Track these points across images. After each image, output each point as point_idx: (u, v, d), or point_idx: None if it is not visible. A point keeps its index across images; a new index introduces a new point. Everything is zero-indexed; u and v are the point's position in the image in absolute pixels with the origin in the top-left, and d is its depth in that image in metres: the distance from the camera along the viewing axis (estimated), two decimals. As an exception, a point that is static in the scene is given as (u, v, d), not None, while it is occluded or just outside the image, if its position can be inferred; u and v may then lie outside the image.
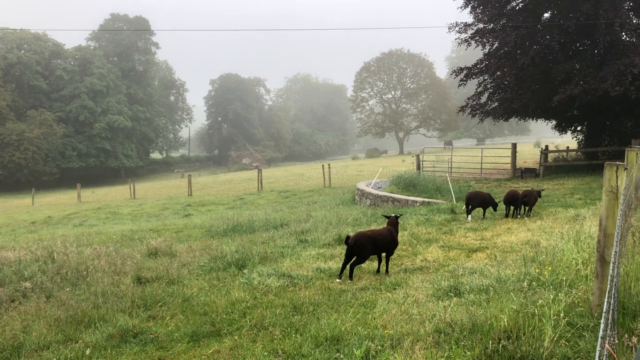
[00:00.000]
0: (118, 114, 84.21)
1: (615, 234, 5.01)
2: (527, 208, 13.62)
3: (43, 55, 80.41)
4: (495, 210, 14.06)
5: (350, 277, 8.12)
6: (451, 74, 29.91)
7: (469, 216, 13.58)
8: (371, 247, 8.29)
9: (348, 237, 8.36)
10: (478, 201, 13.79)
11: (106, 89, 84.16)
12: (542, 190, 15.20)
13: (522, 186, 21.07)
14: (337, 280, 8.09)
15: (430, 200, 18.63)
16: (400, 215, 9.52)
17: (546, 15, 26.12)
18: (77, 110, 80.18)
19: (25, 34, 79.98)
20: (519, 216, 13.48)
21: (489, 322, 4.96)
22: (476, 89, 28.50)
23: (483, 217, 13.77)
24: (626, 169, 5.18)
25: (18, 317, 7.33)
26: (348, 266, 8.22)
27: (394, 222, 9.02)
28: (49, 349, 6.05)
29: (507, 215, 13.73)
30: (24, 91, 78.16)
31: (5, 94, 73.08)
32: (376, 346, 4.94)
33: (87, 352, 5.70)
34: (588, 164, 24.65)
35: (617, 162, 5.16)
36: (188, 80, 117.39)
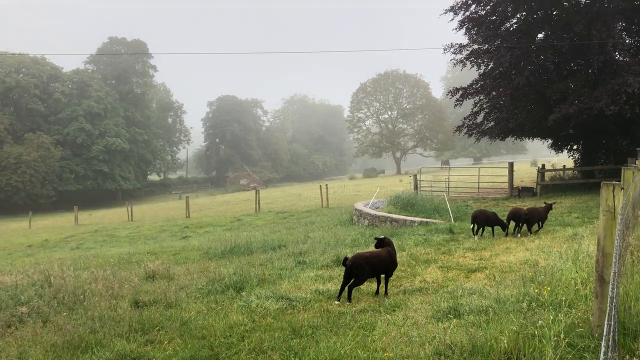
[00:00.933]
0: (116, 137, 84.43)
1: (614, 253, 5.01)
2: (540, 223, 13.98)
3: (41, 79, 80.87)
4: (504, 230, 14.07)
5: (349, 299, 8.08)
6: (447, 94, 30.17)
7: (476, 236, 13.63)
8: (369, 268, 8.25)
9: (346, 259, 8.33)
10: (483, 220, 13.84)
11: (104, 111, 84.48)
12: (553, 203, 15.29)
13: (520, 205, 21.09)
14: (336, 302, 8.04)
15: (428, 220, 18.61)
16: (385, 237, 9.43)
17: (540, 35, 26.44)
18: (74, 133, 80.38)
19: (24, 58, 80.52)
20: (519, 235, 13.52)
21: (489, 343, 4.93)
22: (472, 109, 28.71)
23: (493, 236, 13.76)
24: (623, 188, 5.20)
25: (14, 342, 7.26)
26: (346, 288, 8.18)
27: (389, 243, 8.97)
28: (45, 375, 5.98)
29: (506, 234, 13.85)
30: (22, 114, 78.40)
31: (3, 117, 73.31)
32: (376, 369, 4.90)
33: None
34: (585, 182, 24.73)
35: (614, 182, 5.18)
36: (186, 102, 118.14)
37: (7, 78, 75.55)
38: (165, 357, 6.14)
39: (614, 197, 5.10)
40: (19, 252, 26.32)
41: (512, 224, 14.18)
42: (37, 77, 79.64)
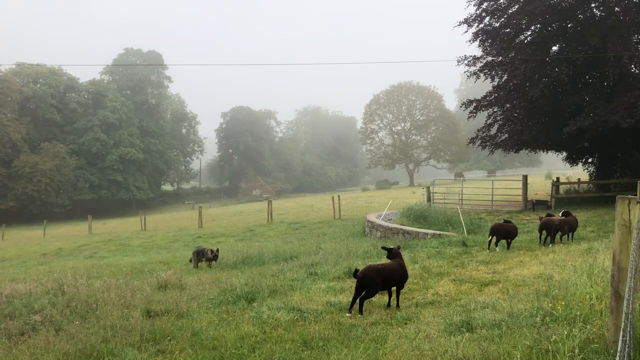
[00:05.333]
0: (130, 147, 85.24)
1: (629, 268, 4.94)
2: (571, 234, 14.37)
3: (58, 89, 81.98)
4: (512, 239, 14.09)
5: (360, 311, 8.03)
6: (461, 106, 30.09)
7: (497, 247, 13.60)
8: (381, 281, 8.21)
9: (357, 271, 8.30)
10: (502, 233, 13.80)
11: (119, 121, 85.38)
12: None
13: (533, 219, 20.93)
14: (347, 314, 8.00)
15: (441, 232, 18.50)
16: (399, 246, 9.43)
17: (555, 48, 26.34)
18: (89, 142, 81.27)
19: (41, 69, 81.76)
20: (550, 245, 13.56)
21: (502, 358, 4.87)
22: (486, 121, 28.60)
23: (508, 248, 13.67)
24: (639, 202, 5.13)
25: (27, 350, 7.30)
26: (358, 300, 8.14)
27: (399, 254, 8.93)
28: (57, 384, 6.00)
29: (541, 243, 14.10)
30: (38, 124, 79.44)
31: (20, 127, 74.32)
32: (387, 383, 4.85)
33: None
34: (600, 195, 24.48)
35: (630, 196, 5.12)
36: (200, 113, 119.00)
37: (25, 88, 76.70)
38: (176, 368, 6.13)
39: (629, 211, 5.04)
40: (33, 261, 26.55)
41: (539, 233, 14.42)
42: (54, 87, 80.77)
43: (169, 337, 7.34)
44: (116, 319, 8.47)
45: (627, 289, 4.97)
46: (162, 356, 6.64)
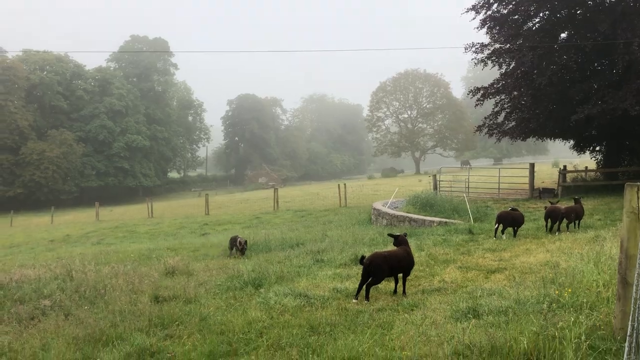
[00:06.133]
0: (137, 134, 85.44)
1: (638, 255, 4.94)
2: (578, 222, 14.23)
3: (64, 76, 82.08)
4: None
5: (367, 297, 8.07)
6: (468, 94, 29.93)
7: (504, 235, 13.56)
8: (387, 267, 8.23)
9: (363, 258, 8.33)
10: (509, 221, 13.77)
11: (125, 109, 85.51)
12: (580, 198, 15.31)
13: (540, 207, 20.89)
14: (354, 300, 8.04)
15: (447, 220, 18.50)
16: (406, 233, 9.43)
17: (563, 35, 26.10)
18: (96, 130, 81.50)
19: (48, 56, 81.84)
20: (557, 233, 13.51)
21: (508, 344, 4.89)
22: (493, 109, 28.46)
23: (514, 236, 13.65)
24: (648, 189, 5.11)
25: (37, 334, 7.40)
26: (364, 286, 8.17)
27: (405, 241, 8.94)
28: (67, 367, 6.09)
29: (547, 230, 14.01)
30: (45, 111, 79.65)
31: (27, 114, 74.56)
32: (394, 368, 4.89)
33: (105, 371, 5.72)
34: (607, 184, 24.37)
35: (638, 183, 5.10)
36: (206, 101, 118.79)
37: (32, 75, 76.86)
38: (184, 352, 6.19)
39: (638, 198, 5.02)
40: (41, 247, 26.78)
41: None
42: (60, 74, 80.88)
43: (177, 322, 7.41)
44: (124, 304, 8.56)
45: (635, 276, 4.97)
46: (170, 341, 6.71)
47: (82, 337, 6.99)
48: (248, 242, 15.39)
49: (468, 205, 19.64)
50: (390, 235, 9.52)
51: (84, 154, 79.08)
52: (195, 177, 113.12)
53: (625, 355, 2.54)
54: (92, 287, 10.02)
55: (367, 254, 8.57)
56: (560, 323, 5.14)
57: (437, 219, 18.70)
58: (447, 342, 5.45)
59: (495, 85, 27.29)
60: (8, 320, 8.29)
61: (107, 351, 6.48)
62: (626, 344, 2.78)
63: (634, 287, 5.02)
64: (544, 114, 25.45)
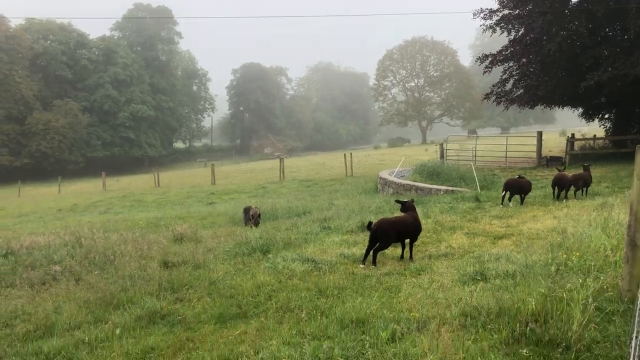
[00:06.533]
0: (142, 104, 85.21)
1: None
2: (585, 189, 14.17)
3: (68, 46, 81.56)
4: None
5: (374, 262, 8.12)
6: (476, 61, 29.55)
7: (511, 203, 13.56)
8: (394, 233, 8.27)
9: (370, 223, 8.36)
10: (516, 188, 13.75)
11: (130, 78, 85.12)
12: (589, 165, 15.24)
13: (547, 175, 20.83)
14: (361, 265, 8.10)
15: (454, 188, 18.47)
16: (413, 200, 9.43)
17: (574, 0, 25.58)
18: (101, 99, 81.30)
19: (51, 24, 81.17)
20: (564, 200, 13.46)
21: (516, 306, 4.93)
22: (501, 76, 28.13)
23: (521, 204, 13.63)
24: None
25: (49, 298, 7.52)
26: (371, 252, 8.22)
27: (413, 207, 8.95)
28: (80, 328, 6.19)
29: (554, 198, 13.96)
30: (49, 81, 79.40)
31: (32, 84, 74.37)
32: (402, 329, 4.94)
33: (117, 331, 5.82)
34: (616, 152, 24.20)
35: (649, 146, 5.06)
36: (210, 70, 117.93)
37: (35, 45, 76.38)
38: (194, 315, 6.28)
39: (649, 160, 4.98)
40: (49, 216, 27.01)
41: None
42: (64, 43, 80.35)
43: (186, 287, 7.50)
44: (134, 269, 8.66)
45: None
46: (180, 304, 6.80)
47: (93, 301, 7.10)
48: (249, 212, 15.35)
49: (475, 174, 19.59)
50: (397, 201, 9.54)
51: (90, 124, 79.05)
52: (201, 148, 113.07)
53: (637, 311, 2.54)
54: (101, 254, 10.13)
55: (374, 221, 8.60)
56: (568, 285, 5.17)
57: (443, 187, 18.68)
58: (455, 304, 5.50)
59: (503, 52, 26.90)
60: (20, 285, 8.42)
61: (118, 314, 6.59)
62: (638, 301, 2.78)
63: (643, 250, 5.03)
64: (552, 81, 25.14)
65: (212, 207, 23.81)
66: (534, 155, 26.74)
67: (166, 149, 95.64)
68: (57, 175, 57.78)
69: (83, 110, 78.16)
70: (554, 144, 38.60)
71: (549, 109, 31.89)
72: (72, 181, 62.09)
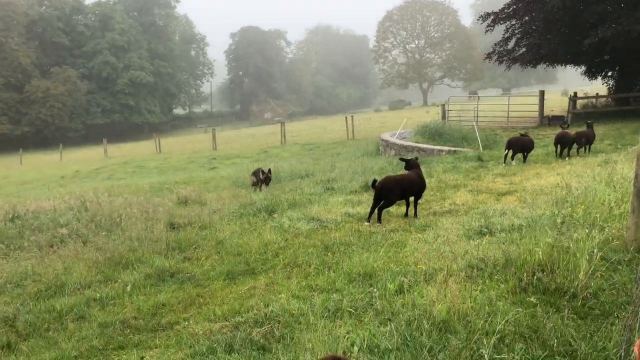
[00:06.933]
0: (140, 70, 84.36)
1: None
2: (588, 147, 14.17)
3: (64, 11, 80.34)
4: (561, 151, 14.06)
5: (379, 219, 8.17)
6: (478, 19, 29.06)
7: (513, 161, 13.55)
8: (399, 190, 8.29)
9: (375, 181, 8.38)
10: (519, 146, 13.71)
11: (127, 44, 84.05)
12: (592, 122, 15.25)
13: (549, 134, 20.75)
14: (366, 223, 8.15)
15: (456, 149, 18.44)
16: (417, 157, 9.43)
17: (578, -45, 25.02)
18: (99, 66, 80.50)
19: (45, -10, 79.81)
20: (567, 158, 13.45)
21: (522, 256, 4.98)
22: (503, 35, 27.73)
23: (524, 162, 13.60)
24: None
25: (58, 260, 7.60)
26: (376, 210, 8.26)
27: (417, 164, 8.95)
28: (90, 287, 6.29)
29: (557, 156, 13.97)
30: (46, 48, 78.48)
31: (28, 51, 73.56)
32: (409, 281, 5.01)
33: (128, 288, 5.91)
34: (619, 110, 24.04)
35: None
36: (208, 35, 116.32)
37: (30, 11, 75.24)
38: (203, 272, 6.36)
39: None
40: (53, 183, 27.08)
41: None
42: (59, 9, 79.16)
43: (194, 246, 7.58)
44: (141, 231, 8.72)
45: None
46: (189, 263, 6.88)
47: (102, 261, 7.19)
48: (259, 174, 15.16)
49: (477, 133, 19.53)
50: (401, 159, 9.56)
51: (89, 91, 78.48)
52: (201, 114, 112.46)
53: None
54: (107, 217, 10.18)
55: (379, 178, 8.61)
56: (575, 235, 5.20)
57: (445, 148, 18.65)
58: (461, 257, 5.56)
59: (506, 10, 26.45)
60: (29, 247, 8.50)
61: (127, 273, 6.67)
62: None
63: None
64: (555, 39, 24.79)
65: (215, 171, 23.84)
66: (536, 115, 26.57)
67: (166, 116, 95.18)
68: (58, 143, 57.67)
69: (81, 77, 77.50)
70: (556, 104, 38.32)
71: (551, 67, 31.58)
72: (73, 149, 62.03)
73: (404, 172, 9.15)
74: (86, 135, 77.90)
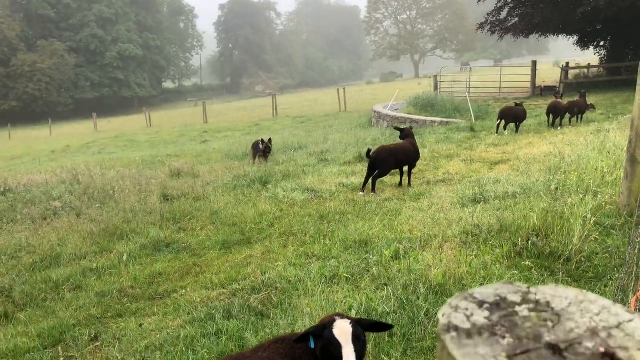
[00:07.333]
0: (129, 43, 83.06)
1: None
2: (580, 116, 14.28)
3: (48, -18, 78.67)
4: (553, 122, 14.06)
5: (373, 189, 8.19)
6: (470, -11, 28.77)
7: (506, 131, 13.56)
8: (393, 160, 8.29)
9: (369, 151, 8.36)
10: (512, 116, 13.68)
11: (115, 16, 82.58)
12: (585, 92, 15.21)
13: (541, 104, 20.76)
14: (360, 192, 8.17)
15: (449, 120, 18.44)
16: (412, 127, 9.42)
17: None
18: (87, 39, 79.14)
19: (28, -40, 77.92)
20: (559, 127, 13.43)
21: (517, 222, 5.02)
22: (496, 4, 27.49)
23: (517, 132, 13.60)
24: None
25: (53, 232, 7.58)
26: (370, 179, 8.27)
27: (411, 134, 8.93)
28: (85, 258, 6.29)
29: (549, 125, 13.95)
30: (32, 21, 76.95)
31: (14, 24, 72.12)
32: (405, 247, 5.04)
33: (124, 258, 5.91)
34: (610, 79, 24.05)
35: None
36: (197, 6, 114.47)
37: (14, -18, 73.67)
38: (199, 242, 6.37)
39: (652, 75, 4.95)
40: (43, 158, 26.86)
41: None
42: (44, -20, 77.50)
43: (188, 217, 7.57)
44: (135, 203, 8.69)
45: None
46: (184, 233, 6.89)
47: (97, 232, 7.17)
48: (249, 147, 14.78)
49: (470, 104, 19.51)
50: (396, 128, 9.54)
51: (77, 64, 77.29)
52: (191, 87, 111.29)
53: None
54: (100, 189, 10.13)
55: (373, 148, 8.61)
56: (569, 200, 5.24)
57: (438, 119, 18.64)
58: (456, 223, 5.59)
59: (499, -21, 26.21)
60: (22, 220, 8.47)
61: (122, 244, 6.67)
62: (638, 205, 2.82)
63: (643, 165, 5.08)
64: (548, 8, 24.60)
65: (206, 145, 23.70)
66: (528, 85, 26.52)
67: (156, 89, 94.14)
68: (47, 117, 56.99)
69: (69, 51, 76.23)
70: (548, 75, 38.20)
71: (543, 38, 31.38)
72: (62, 123, 61.37)
73: (398, 141, 9.15)
74: (75, 110, 76.99)
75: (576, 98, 14.89)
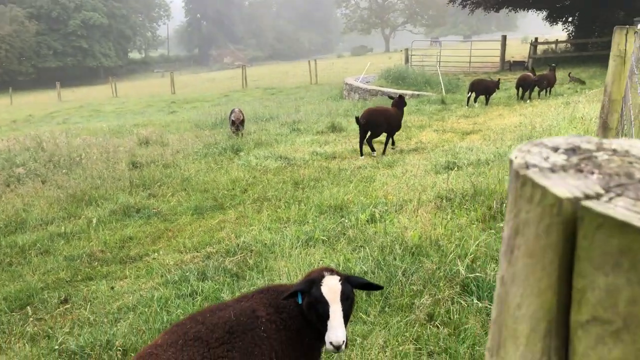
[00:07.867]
0: (93, 11, 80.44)
1: (621, 100, 5.02)
2: (549, 89, 14.33)
3: (6, -55, 75.26)
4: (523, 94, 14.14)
5: (372, 149, 8.30)
6: (442, -38, 28.67)
7: (476, 103, 13.62)
8: (384, 121, 8.31)
9: (358, 117, 8.26)
10: (482, 89, 13.74)
11: (78, -18, 79.80)
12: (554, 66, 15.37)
13: (510, 78, 20.95)
14: (361, 157, 8.19)
15: (420, 92, 18.49)
16: (402, 96, 9.38)
17: None
18: (48, 5, 76.29)
19: None
20: (528, 100, 13.54)
21: (491, 186, 5.06)
22: (468, -22, 27.52)
23: (486, 104, 13.67)
24: (636, 32, 5.08)
25: (17, 198, 7.34)
26: (366, 142, 8.35)
27: (399, 103, 8.81)
28: (52, 223, 6.11)
29: (518, 98, 14.02)
30: (-11, -15, 73.86)
31: (-31, -12, 69.14)
32: (380, 211, 5.04)
33: (93, 223, 5.77)
34: (578, 55, 24.39)
35: (627, 26, 5.05)
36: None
37: (-31, -56, 70.25)
38: (170, 208, 6.26)
39: (626, 41, 4.99)
40: (4, 127, 25.98)
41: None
42: (1, -57, 74.09)
43: (158, 183, 7.43)
44: (102, 170, 8.48)
45: (616, 120, 5.08)
46: (154, 199, 6.75)
47: (64, 199, 6.98)
48: (220, 118, 14.52)
49: (440, 78, 19.56)
50: (389, 97, 9.55)
51: (38, 32, 74.55)
52: (157, 58, 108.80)
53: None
54: (66, 156, 9.85)
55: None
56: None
57: (409, 92, 18.65)
58: (430, 189, 5.61)
59: (471, -48, 26.16)
60: (-17, 187, 8.18)
61: (91, 210, 6.51)
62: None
63: (615, 131, 5.16)
64: (519, -17, 24.75)
65: (175, 115, 23.27)
66: (498, 60, 26.73)
67: (121, 60, 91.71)
68: (7, 86, 55.08)
69: (29, 17, 73.46)
70: (516, 51, 38.51)
71: (513, 12, 31.60)
72: (24, 93, 59.39)
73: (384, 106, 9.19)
74: (38, 79, 74.53)
75: (545, 72, 15.04)
